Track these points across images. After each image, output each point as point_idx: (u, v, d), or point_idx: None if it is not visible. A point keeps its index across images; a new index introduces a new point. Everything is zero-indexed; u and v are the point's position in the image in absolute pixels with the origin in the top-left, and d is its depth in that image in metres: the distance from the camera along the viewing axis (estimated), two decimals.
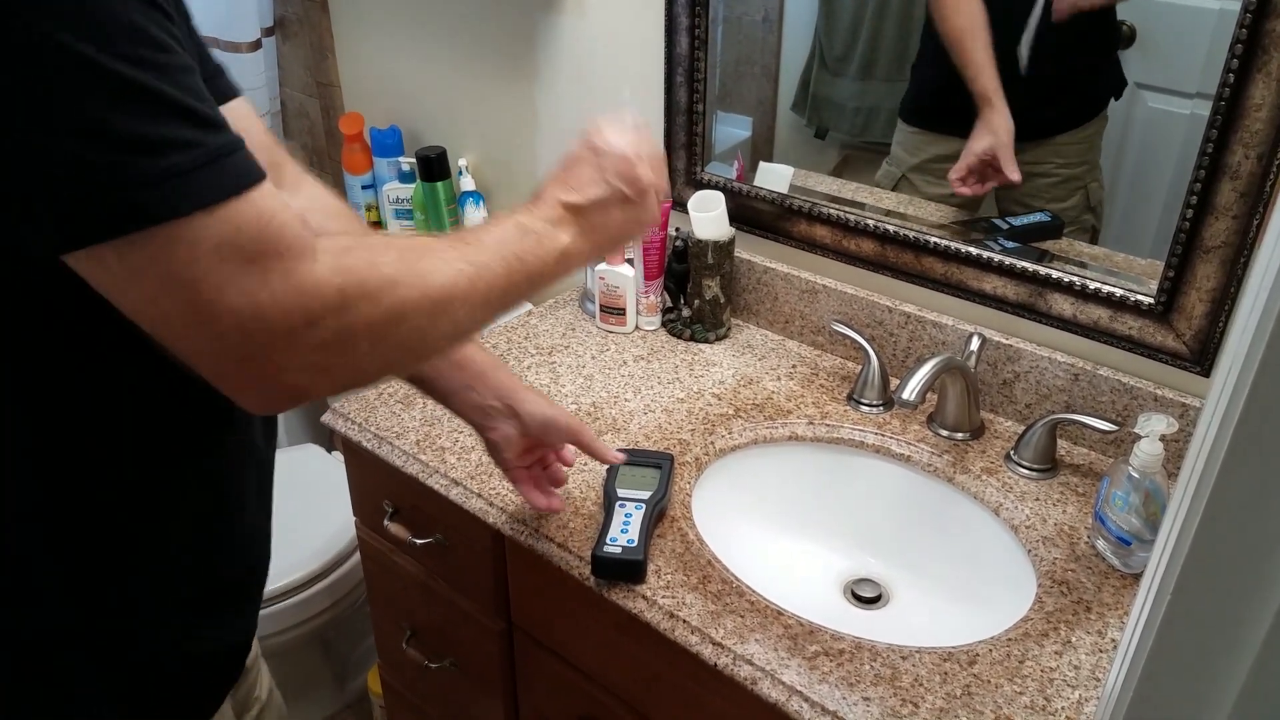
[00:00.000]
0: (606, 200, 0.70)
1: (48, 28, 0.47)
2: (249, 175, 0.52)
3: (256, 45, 1.70)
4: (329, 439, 1.94)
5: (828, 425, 1.10)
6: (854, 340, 1.14)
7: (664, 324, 1.30)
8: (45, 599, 0.64)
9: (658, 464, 0.99)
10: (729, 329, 1.29)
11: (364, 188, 1.70)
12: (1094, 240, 1.06)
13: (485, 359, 0.87)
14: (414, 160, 1.58)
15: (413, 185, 1.61)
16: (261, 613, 1.57)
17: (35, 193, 0.49)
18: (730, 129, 1.30)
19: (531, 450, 0.90)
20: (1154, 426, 0.89)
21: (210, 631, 0.74)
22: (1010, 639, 0.84)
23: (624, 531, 0.91)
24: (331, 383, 0.57)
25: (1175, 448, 0.99)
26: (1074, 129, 1.07)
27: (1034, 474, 1.02)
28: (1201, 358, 0.97)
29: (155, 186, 0.49)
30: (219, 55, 1.76)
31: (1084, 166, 1.07)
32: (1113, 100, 1.01)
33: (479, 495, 1.00)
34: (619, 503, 0.94)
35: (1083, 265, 1.04)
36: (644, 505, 0.94)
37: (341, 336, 0.55)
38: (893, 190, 1.18)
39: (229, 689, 0.79)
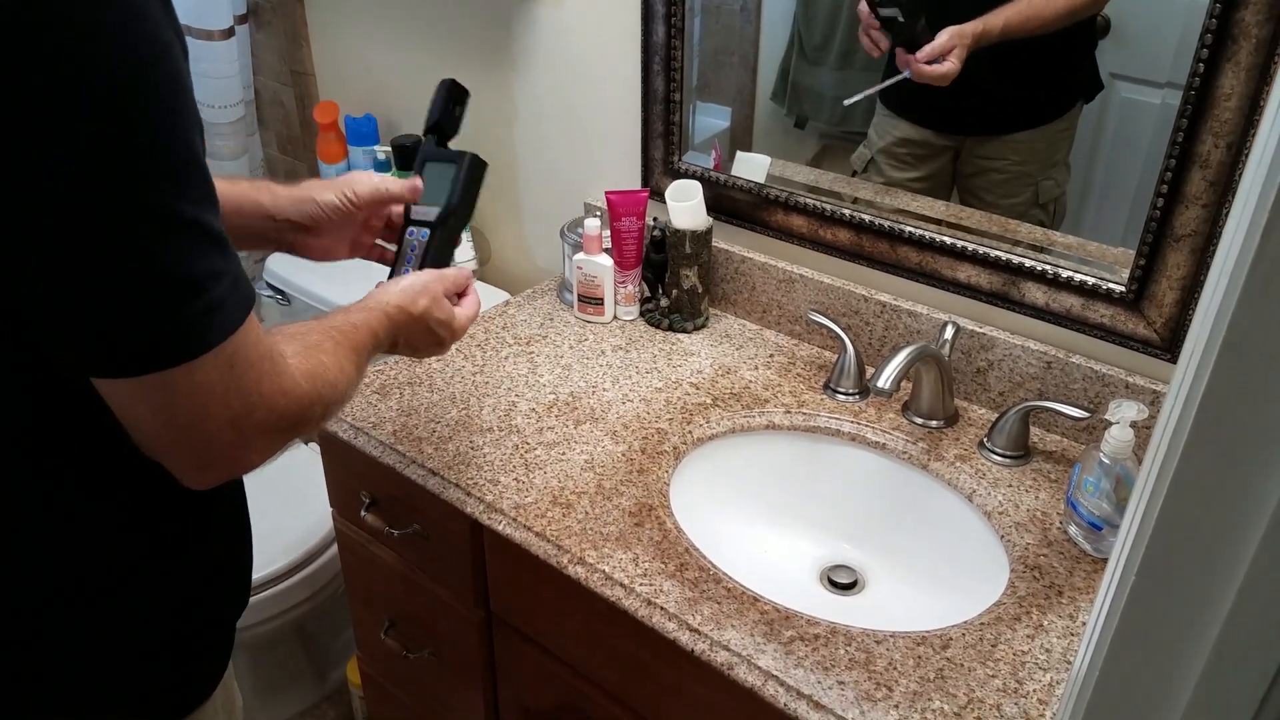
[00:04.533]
0: (420, 349, 0.87)
1: (136, 182, 0.51)
2: (252, 295, 0.59)
3: (229, 33, 1.68)
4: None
5: (804, 414, 1.11)
6: (830, 329, 1.14)
7: (642, 314, 1.30)
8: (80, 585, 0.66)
9: (452, 159, 0.92)
10: (707, 318, 1.29)
11: None
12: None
13: (259, 184, 0.89)
14: (389, 149, 1.56)
15: (388, 174, 1.60)
16: None
17: (83, 327, 0.53)
18: (709, 119, 1.30)
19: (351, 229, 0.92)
20: (1125, 413, 0.90)
21: (218, 602, 0.76)
22: (983, 623, 0.85)
23: (406, 269, 0.88)
24: (265, 459, 0.64)
25: (1146, 434, 1.00)
26: (1032, 127, 1.09)
27: (1007, 461, 1.03)
28: (1172, 345, 0.99)
29: (198, 321, 0.54)
30: (191, 44, 1.75)
31: (1037, 165, 1.08)
32: (1085, 101, 1.02)
33: (456, 485, 1.00)
34: (409, 229, 0.90)
35: (1056, 254, 1.05)
36: (429, 230, 0.89)
37: (298, 429, 0.64)
38: (863, 171, 1.19)
39: (230, 653, 0.81)
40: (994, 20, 1.02)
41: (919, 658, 0.81)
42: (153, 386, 0.55)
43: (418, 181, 0.92)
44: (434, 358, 0.91)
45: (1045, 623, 0.84)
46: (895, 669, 0.80)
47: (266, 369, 0.60)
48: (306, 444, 1.80)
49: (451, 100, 0.94)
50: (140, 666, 0.70)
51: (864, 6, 1.09)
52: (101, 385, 0.56)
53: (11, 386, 0.58)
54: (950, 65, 1.04)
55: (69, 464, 0.62)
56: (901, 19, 1.07)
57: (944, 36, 1.04)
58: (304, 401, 0.63)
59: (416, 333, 0.85)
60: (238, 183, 0.89)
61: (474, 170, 0.93)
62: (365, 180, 0.91)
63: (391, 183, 0.92)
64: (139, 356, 0.54)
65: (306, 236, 0.90)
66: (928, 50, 1.04)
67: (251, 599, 1.47)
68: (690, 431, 1.08)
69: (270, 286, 1.72)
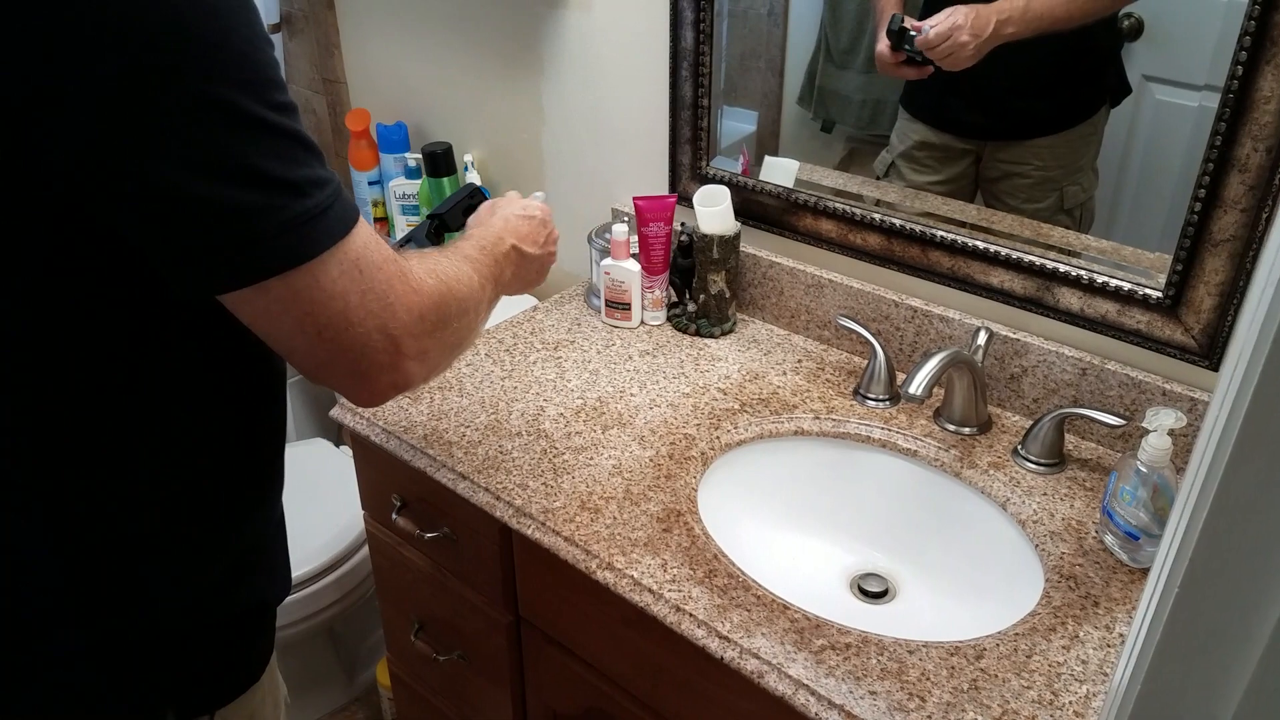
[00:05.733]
0: (535, 259, 0.89)
1: (214, 85, 0.52)
2: (355, 205, 0.61)
3: None
4: (337, 433, 1.95)
5: (834, 420, 1.10)
6: (860, 335, 1.14)
7: (669, 319, 1.30)
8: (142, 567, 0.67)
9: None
10: (734, 324, 1.29)
11: (370, 184, 1.70)
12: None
13: None
14: (420, 156, 1.58)
15: (419, 181, 1.62)
16: None
17: (194, 240, 0.54)
18: (736, 123, 1.30)
19: None
20: (1162, 421, 0.88)
21: (264, 583, 0.78)
22: (1018, 633, 0.84)
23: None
24: (428, 371, 0.66)
25: (1183, 442, 0.99)
26: (1053, 133, 1.07)
27: (1041, 468, 1.02)
28: (1210, 352, 0.97)
29: (308, 225, 0.56)
30: None
31: (1061, 170, 1.06)
32: (1110, 106, 1.01)
33: (486, 489, 1.00)
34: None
35: (1089, 259, 1.04)
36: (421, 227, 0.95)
37: (440, 325, 0.66)
38: (884, 175, 1.18)
39: (274, 637, 0.82)
40: (1014, 2, 0.99)
41: (952, 668, 0.80)
42: (284, 296, 0.57)
43: None
44: (550, 257, 0.94)
45: (1081, 634, 0.83)
46: (928, 679, 0.79)
47: (394, 270, 0.62)
48: (339, 446, 1.82)
49: (467, 203, 0.99)
50: (185, 650, 0.71)
51: (883, 49, 1.09)
52: (237, 304, 0.57)
53: (63, 377, 0.59)
54: (941, 28, 1.01)
55: (121, 450, 0.63)
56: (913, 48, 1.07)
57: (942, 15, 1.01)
58: (436, 296, 0.65)
59: (514, 223, 0.87)
60: None
61: (473, 194, 0.99)
62: None
63: None
64: (253, 261, 0.55)
65: None
66: (931, 29, 1.02)
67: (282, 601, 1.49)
68: (718, 437, 1.07)
69: None
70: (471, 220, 0.90)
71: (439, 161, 1.55)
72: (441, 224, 0.98)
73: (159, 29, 0.50)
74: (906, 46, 1.07)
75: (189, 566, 0.69)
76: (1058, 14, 1.00)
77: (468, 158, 1.58)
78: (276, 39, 1.76)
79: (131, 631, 0.68)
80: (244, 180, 0.53)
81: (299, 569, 1.50)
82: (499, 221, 0.87)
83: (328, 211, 0.57)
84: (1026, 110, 1.09)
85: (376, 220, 1.73)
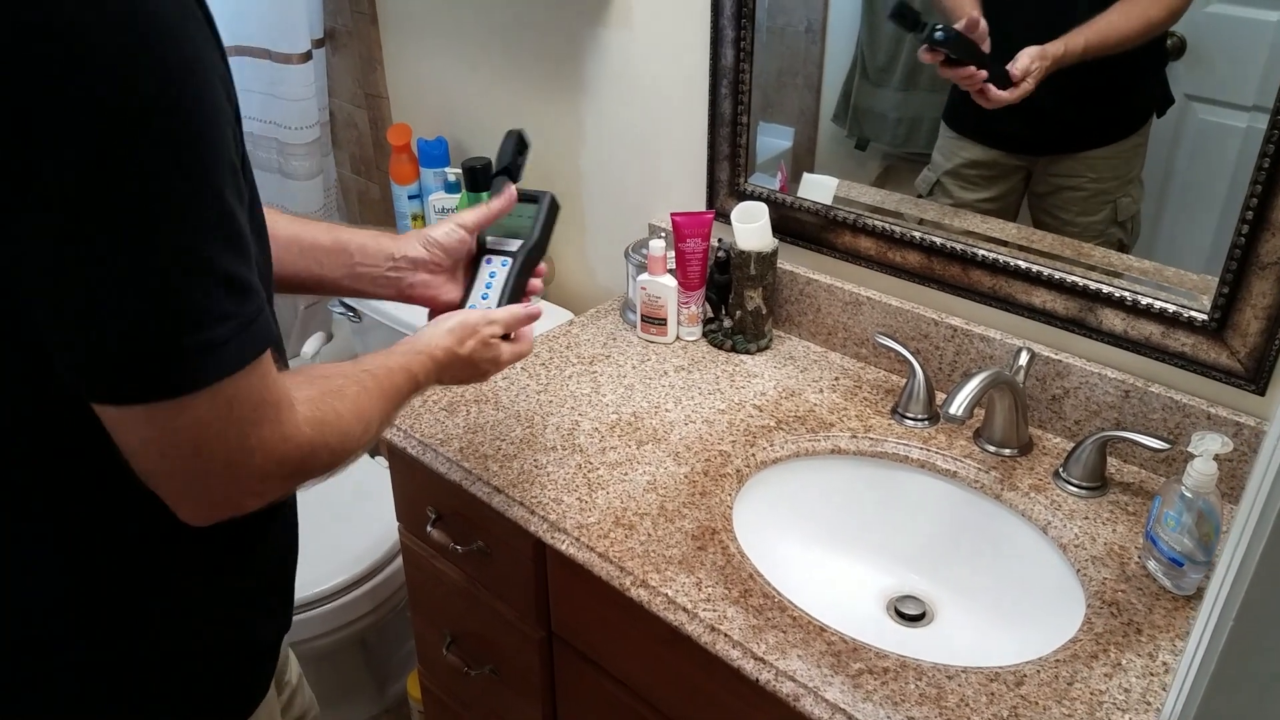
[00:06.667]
0: (462, 381, 0.87)
1: (158, 210, 0.51)
2: (264, 341, 0.58)
3: (307, 57, 1.73)
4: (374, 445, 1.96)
5: (871, 439, 1.09)
6: (899, 353, 1.13)
7: (705, 335, 1.30)
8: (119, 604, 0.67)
9: (534, 198, 0.92)
10: (771, 340, 1.29)
11: (410, 198, 1.72)
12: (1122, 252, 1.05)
13: (355, 234, 0.90)
14: (460, 171, 1.59)
15: (458, 195, 1.63)
16: (303, 616, 1.58)
17: (75, 352, 0.53)
18: (771, 139, 1.30)
19: (448, 273, 0.92)
20: (1208, 446, 0.87)
21: (262, 621, 0.77)
22: (1058, 660, 0.82)
23: (485, 296, 0.88)
24: (265, 502, 0.63)
25: (1229, 467, 0.97)
26: (1107, 144, 1.06)
27: (1083, 492, 1.00)
28: (1257, 376, 0.95)
29: (192, 359, 0.54)
30: (270, 67, 1.80)
31: (1115, 181, 1.06)
32: (1156, 117, 1.00)
33: (521, 504, 1.00)
34: (485, 258, 0.90)
35: (1131, 279, 1.03)
36: (510, 260, 0.89)
37: (301, 474, 0.63)
38: (928, 194, 1.17)
39: (273, 673, 0.81)
40: (1075, 40, 1.00)
41: (991, 694, 0.79)
42: (142, 419, 0.55)
43: (511, 189, 0.91)
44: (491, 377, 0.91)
45: (1123, 661, 0.82)
46: (967, 705, 0.78)
47: (269, 415, 0.59)
48: (373, 457, 1.83)
49: (518, 149, 0.98)
50: (185, 667, 0.71)
51: (925, 54, 1.08)
52: (99, 410, 0.56)
53: (51, 407, 0.59)
54: (1026, 88, 1.02)
55: (105, 478, 0.63)
56: (955, 55, 1.06)
57: (1024, 59, 1.02)
58: (305, 449, 0.62)
59: (461, 369, 0.85)
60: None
61: (553, 209, 0.96)
62: (438, 227, 0.91)
63: (464, 216, 0.92)
64: (126, 385, 0.53)
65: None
66: (1012, 74, 1.03)
67: (315, 611, 1.51)
68: (753, 454, 1.07)
69: (342, 303, 1.77)
70: (459, 323, 0.85)
71: (478, 176, 1.56)
72: (510, 178, 0.96)
73: (89, 141, 0.49)
74: (923, 34, 1.06)
75: (185, 575, 0.69)
76: (1110, 43, 1.00)
77: None
78: (320, 54, 1.80)
79: (133, 636, 0.68)
80: (138, 306, 0.52)
81: (332, 580, 1.51)
82: (449, 361, 0.82)
83: (216, 349, 0.54)
84: (1081, 123, 1.09)
85: None
